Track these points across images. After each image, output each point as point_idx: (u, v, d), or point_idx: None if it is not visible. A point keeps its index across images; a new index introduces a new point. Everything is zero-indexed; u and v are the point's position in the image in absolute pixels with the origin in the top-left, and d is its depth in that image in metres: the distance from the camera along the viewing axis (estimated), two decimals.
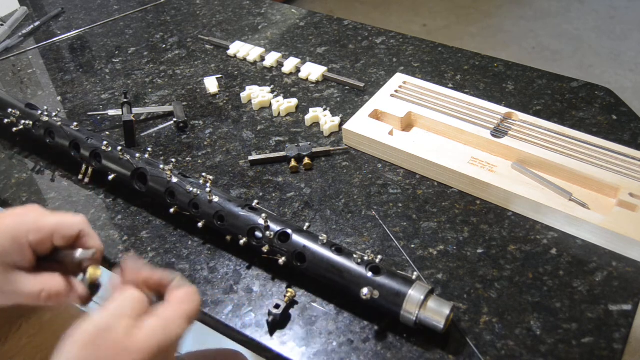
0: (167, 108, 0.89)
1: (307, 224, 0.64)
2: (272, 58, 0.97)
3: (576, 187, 0.71)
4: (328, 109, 0.86)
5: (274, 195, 0.74)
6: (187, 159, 0.80)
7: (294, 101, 0.88)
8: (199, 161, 0.80)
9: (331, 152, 0.79)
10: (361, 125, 0.79)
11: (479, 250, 0.65)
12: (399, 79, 0.87)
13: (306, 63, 0.96)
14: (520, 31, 2.58)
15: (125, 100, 0.85)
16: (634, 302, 0.59)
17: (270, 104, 0.88)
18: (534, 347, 0.56)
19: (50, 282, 0.50)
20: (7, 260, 0.48)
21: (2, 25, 1.11)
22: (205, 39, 1.06)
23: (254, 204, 0.65)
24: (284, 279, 0.64)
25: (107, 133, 0.83)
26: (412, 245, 0.66)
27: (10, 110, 0.80)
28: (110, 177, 0.72)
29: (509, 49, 2.48)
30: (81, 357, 0.40)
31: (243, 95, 0.90)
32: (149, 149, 0.74)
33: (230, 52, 1.01)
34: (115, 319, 0.42)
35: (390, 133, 0.78)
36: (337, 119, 0.83)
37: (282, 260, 0.61)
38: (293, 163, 0.77)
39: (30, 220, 0.49)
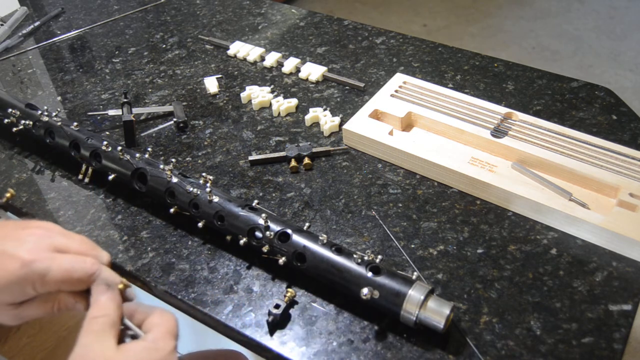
0: (167, 108, 0.89)
1: (307, 224, 0.64)
2: (272, 58, 0.97)
3: (576, 187, 0.71)
4: (328, 109, 0.86)
5: (274, 195, 0.74)
6: (187, 159, 0.80)
7: (294, 101, 0.88)
8: (199, 161, 0.80)
9: (331, 152, 0.79)
10: (361, 125, 0.79)
11: (479, 250, 0.65)
12: (399, 79, 0.87)
13: (306, 63, 0.96)
14: (520, 31, 2.58)
15: (125, 100, 0.85)
16: (634, 302, 0.59)
17: (270, 104, 0.88)
18: (534, 347, 0.56)
19: (61, 301, 0.50)
20: (7, 301, 0.48)
21: (2, 25, 1.11)
22: (205, 39, 1.06)
23: (254, 204, 0.65)
24: (284, 279, 0.64)
25: (107, 133, 0.83)
26: (412, 245, 0.66)
27: (10, 110, 0.80)
28: (110, 177, 0.72)
29: (509, 49, 2.48)
30: None
31: (243, 95, 0.90)
32: (149, 149, 0.74)
33: (230, 52, 1.01)
34: (86, 347, 0.42)
35: (390, 133, 0.78)
36: (337, 119, 0.83)
37: (282, 260, 0.61)
38: (293, 163, 0.77)
39: (35, 273, 0.47)
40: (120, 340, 0.45)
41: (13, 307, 0.49)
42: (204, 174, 0.68)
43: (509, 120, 0.79)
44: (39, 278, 0.47)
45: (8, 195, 0.65)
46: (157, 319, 0.46)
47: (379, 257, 0.59)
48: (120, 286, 0.48)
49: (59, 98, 0.95)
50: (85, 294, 0.51)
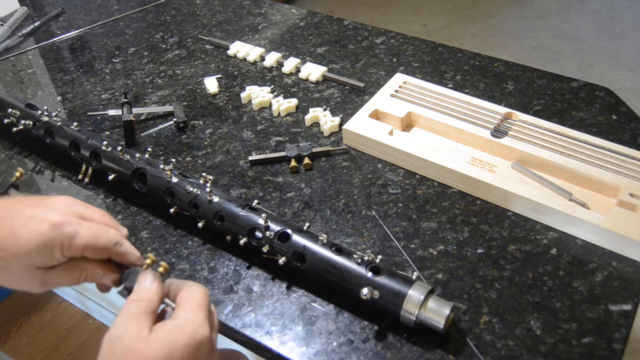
0: (167, 108, 0.89)
1: (307, 224, 0.64)
2: (272, 58, 0.97)
3: (576, 187, 0.71)
4: (328, 109, 0.86)
5: (274, 195, 0.74)
6: (187, 159, 0.80)
7: (294, 101, 0.88)
8: (199, 161, 0.80)
9: (331, 152, 0.79)
10: (361, 125, 0.79)
11: (479, 250, 0.65)
12: (399, 79, 0.87)
13: (306, 63, 0.96)
14: (520, 31, 2.58)
15: (125, 100, 0.85)
16: (634, 302, 0.59)
17: (270, 104, 0.88)
18: (534, 347, 0.56)
19: (88, 271, 0.52)
20: (37, 264, 0.49)
21: (2, 25, 1.11)
22: (205, 39, 1.06)
23: (254, 204, 0.65)
24: (284, 279, 0.64)
25: (107, 133, 0.83)
26: (412, 245, 0.66)
27: (10, 110, 0.80)
28: (110, 177, 0.72)
29: (509, 49, 2.48)
30: None
31: (243, 95, 0.90)
32: (149, 149, 0.74)
33: (230, 52, 1.01)
34: (123, 326, 0.43)
35: (390, 133, 0.78)
36: (337, 119, 0.83)
37: (282, 260, 0.61)
38: (293, 163, 0.77)
39: (64, 235, 0.49)
40: (162, 319, 0.46)
41: (42, 271, 0.50)
42: (204, 174, 0.68)
43: (509, 120, 0.79)
44: (67, 240, 0.49)
45: (18, 174, 0.65)
46: (185, 293, 0.47)
47: (379, 257, 0.59)
48: (161, 269, 0.49)
49: (59, 98, 0.95)
50: (114, 267, 0.53)
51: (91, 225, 0.51)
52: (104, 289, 0.56)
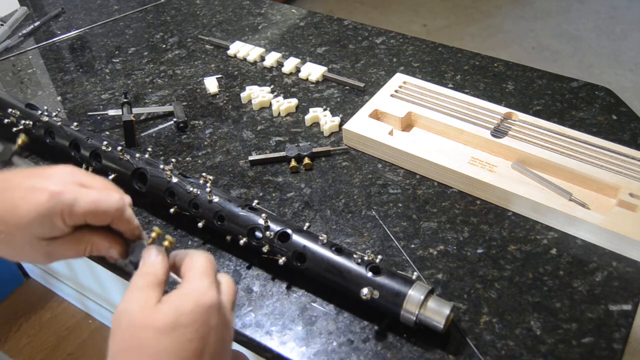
0: (167, 108, 0.89)
1: (307, 224, 0.64)
2: (272, 58, 0.97)
3: (576, 187, 0.71)
4: (328, 109, 0.86)
5: (274, 195, 0.74)
6: (187, 159, 0.80)
7: (294, 101, 0.88)
8: (199, 161, 0.80)
9: (331, 152, 0.79)
10: (361, 125, 0.79)
11: (479, 250, 0.65)
12: (399, 79, 0.87)
13: (306, 63, 0.96)
14: (520, 31, 2.59)
15: (125, 100, 0.85)
16: (634, 302, 0.59)
17: (270, 104, 0.88)
18: (534, 347, 0.56)
19: (94, 243, 0.51)
20: (39, 234, 0.49)
21: (2, 25, 1.11)
22: (205, 39, 1.06)
23: (254, 204, 0.65)
24: (284, 279, 0.64)
25: (107, 133, 0.83)
26: (412, 245, 0.66)
27: (10, 110, 0.80)
28: (110, 177, 0.72)
29: (509, 49, 2.48)
30: (113, 347, 0.42)
31: (243, 95, 0.90)
32: (149, 149, 0.74)
33: (230, 52, 1.01)
34: (128, 300, 0.43)
35: (390, 133, 0.78)
36: (337, 119, 0.83)
37: (282, 260, 0.61)
38: (293, 163, 0.77)
39: (64, 203, 0.48)
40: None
41: (46, 242, 0.49)
42: (204, 174, 0.68)
43: (509, 120, 0.79)
44: (67, 208, 0.48)
45: (20, 141, 0.64)
46: (189, 262, 0.47)
47: (379, 257, 0.59)
48: (166, 243, 0.49)
49: (59, 98, 0.95)
50: (120, 240, 0.52)
51: (91, 192, 0.50)
52: (112, 260, 0.55)
